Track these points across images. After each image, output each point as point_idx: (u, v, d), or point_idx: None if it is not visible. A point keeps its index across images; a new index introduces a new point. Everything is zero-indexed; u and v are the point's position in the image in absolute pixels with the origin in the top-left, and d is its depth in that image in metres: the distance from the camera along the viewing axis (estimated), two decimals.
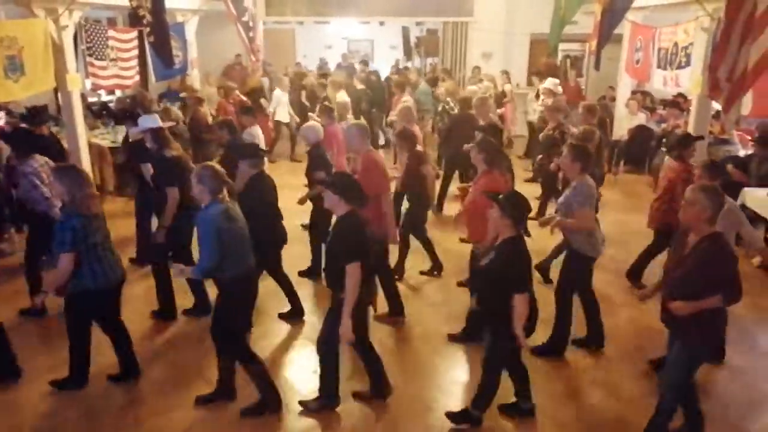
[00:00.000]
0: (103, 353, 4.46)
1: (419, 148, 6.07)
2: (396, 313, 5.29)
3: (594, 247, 4.56)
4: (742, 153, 7.98)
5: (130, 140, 6.24)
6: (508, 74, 12.24)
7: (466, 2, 13.64)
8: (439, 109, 10.29)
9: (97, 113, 10.59)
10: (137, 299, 5.61)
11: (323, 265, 3.94)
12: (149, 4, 7.24)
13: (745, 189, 6.63)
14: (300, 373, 4.60)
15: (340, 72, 13.22)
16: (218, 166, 3.86)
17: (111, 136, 9.25)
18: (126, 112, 6.88)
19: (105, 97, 12.11)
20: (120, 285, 4.20)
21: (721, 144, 8.31)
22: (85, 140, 8.07)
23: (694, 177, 5.02)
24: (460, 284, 5.90)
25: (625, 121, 10.27)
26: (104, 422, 4.03)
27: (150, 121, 5.27)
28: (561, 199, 4.67)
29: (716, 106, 7.43)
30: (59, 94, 8.06)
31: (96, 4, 8.25)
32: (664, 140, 9.44)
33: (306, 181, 6.19)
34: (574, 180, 4.54)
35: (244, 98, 10.34)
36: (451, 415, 3.98)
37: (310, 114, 9.32)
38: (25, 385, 4.39)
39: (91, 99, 11.33)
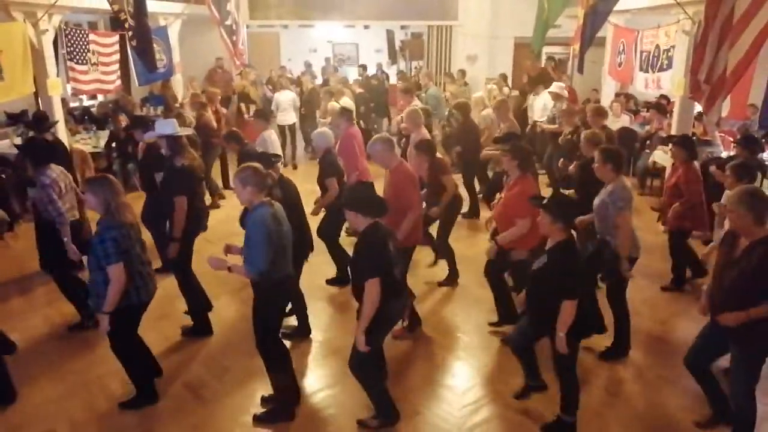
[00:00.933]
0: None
1: (439, 155, 5.94)
2: (412, 328, 5.16)
3: (636, 246, 4.56)
4: (724, 154, 8.06)
5: (146, 143, 6.06)
6: (506, 78, 12.26)
7: (450, 6, 13.70)
8: (445, 113, 10.36)
9: (79, 118, 10.48)
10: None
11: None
12: (131, 7, 7.17)
13: (728, 190, 6.68)
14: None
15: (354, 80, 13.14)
16: (258, 165, 3.83)
17: (93, 141, 9.16)
18: (137, 119, 6.78)
19: (86, 102, 11.99)
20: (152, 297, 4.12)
21: (704, 145, 8.38)
22: (66, 145, 7.95)
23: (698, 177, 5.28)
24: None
25: (609, 124, 10.31)
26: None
27: (168, 126, 5.10)
28: (596, 201, 4.56)
29: (698, 107, 7.50)
30: (39, 99, 7.96)
31: (76, 8, 8.15)
32: (647, 142, 9.52)
33: (318, 189, 6.08)
34: (610, 183, 4.48)
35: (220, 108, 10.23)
36: (546, 428, 3.91)
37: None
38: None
39: (73, 104, 11.22)
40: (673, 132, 8.11)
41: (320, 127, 8.23)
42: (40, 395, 4.33)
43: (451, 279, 6.12)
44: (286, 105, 10.77)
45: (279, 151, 7.09)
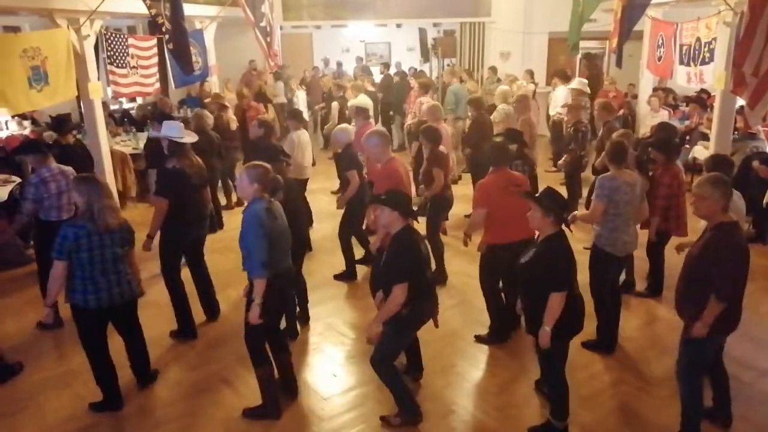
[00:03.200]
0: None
1: (442, 148, 5.96)
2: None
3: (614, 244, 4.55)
4: None
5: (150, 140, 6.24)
6: (532, 74, 12.14)
7: (483, 2, 13.59)
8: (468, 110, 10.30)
9: (119, 120, 10.75)
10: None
11: (375, 277, 3.94)
12: (168, 11, 7.31)
13: None
14: (318, 376, 4.61)
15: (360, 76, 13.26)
16: (265, 164, 3.88)
17: (132, 143, 9.37)
18: (156, 115, 6.86)
19: (126, 105, 12.28)
20: (126, 305, 4.08)
21: (748, 139, 8.13)
22: (107, 147, 8.18)
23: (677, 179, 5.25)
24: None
25: (647, 119, 10.12)
26: None
27: (173, 129, 5.13)
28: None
29: (740, 101, 7.28)
30: (81, 103, 8.18)
31: (116, 13, 8.35)
32: (687, 138, 9.29)
33: (338, 184, 6.24)
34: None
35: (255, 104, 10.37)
36: (535, 431, 3.89)
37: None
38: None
39: (113, 107, 11.51)
40: (714, 127, 7.90)
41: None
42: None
43: (438, 277, 5.82)
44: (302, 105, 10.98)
45: (309, 153, 7.16)
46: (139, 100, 12.11)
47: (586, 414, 4.06)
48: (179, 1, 7.27)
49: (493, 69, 12.59)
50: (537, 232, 3.74)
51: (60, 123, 6.99)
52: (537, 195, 3.63)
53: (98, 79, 7.95)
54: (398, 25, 15.57)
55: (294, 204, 4.91)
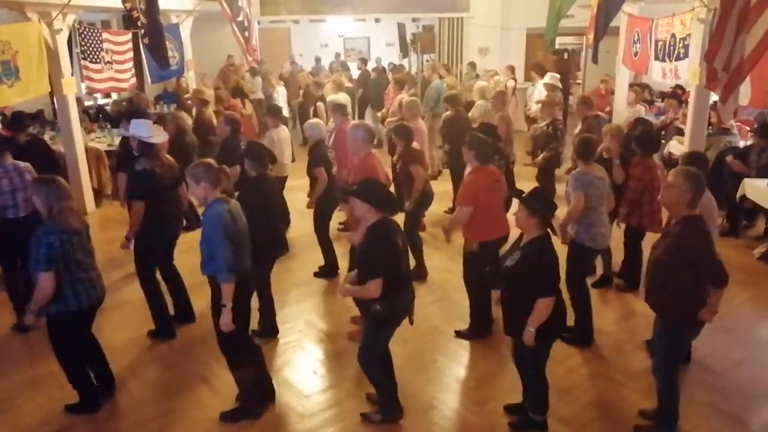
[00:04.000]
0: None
1: (415, 144, 5.97)
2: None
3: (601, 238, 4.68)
4: (741, 144, 7.95)
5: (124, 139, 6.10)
6: (513, 69, 12.18)
7: None
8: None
9: (94, 117, 10.57)
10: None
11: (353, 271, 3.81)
12: (143, 5, 7.20)
13: (746, 180, 6.61)
14: (299, 374, 4.59)
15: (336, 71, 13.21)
16: (210, 161, 3.81)
17: (108, 140, 9.21)
18: (128, 112, 6.69)
19: (101, 101, 12.08)
20: (101, 302, 4.03)
21: (722, 134, 8.27)
22: (81, 144, 8.05)
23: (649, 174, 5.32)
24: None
25: (623, 114, 10.23)
26: None
27: (141, 128, 4.94)
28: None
29: (714, 97, 7.40)
30: (55, 99, 8.04)
31: (90, 7, 8.21)
32: (663, 133, 9.41)
33: (308, 180, 6.16)
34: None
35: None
36: (514, 425, 3.90)
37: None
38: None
39: (87, 102, 11.30)
40: (688, 122, 8.03)
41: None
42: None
43: (418, 273, 5.87)
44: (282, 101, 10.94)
45: (288, 151, 7.05)
46: (114, 96, 11.92)
47: (564, 407, 4.09)
48: None
49: (472, 65, 12.63)
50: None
51: (15, 120, 6.75)
52: (524, 195, 3.56)
53: (72, 75, 7.82)
54: (377, 20, 15.52)
55: (273, 200, 4.87)
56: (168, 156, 5.14)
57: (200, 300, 5.49)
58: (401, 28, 16.21)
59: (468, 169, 4.88)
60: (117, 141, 9.05)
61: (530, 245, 3.50)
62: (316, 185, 5.90)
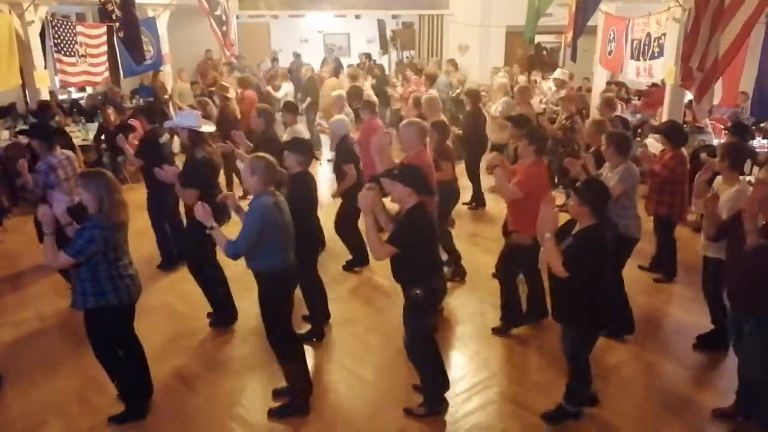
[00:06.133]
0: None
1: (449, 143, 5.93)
2: None
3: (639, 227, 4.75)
4: (715, 142, 8.08)
5: (144, 136, 6.07)
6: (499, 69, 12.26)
7: None
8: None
9: (68, 111, 10.39)
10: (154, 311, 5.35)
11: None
12: None
13: (719, 177, 6.70)
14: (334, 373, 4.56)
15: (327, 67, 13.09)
16: (270, 158, 3.77)
17: (82, 134, 9.06)
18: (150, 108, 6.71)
19: (75, 94, 11.87)
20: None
21: (696, 133, 8.39)
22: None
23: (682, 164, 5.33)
24: (494, 275, 5.75)
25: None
26: None
27: (191, 119, 5.00)
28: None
29: (689, 96, 7.51)
30: (27, 92, 7.89)
31: None
32: (639, 131, 9.53)
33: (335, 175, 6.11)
34: (616, 167, 4.70)
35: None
36: (547, 416, 3.89)
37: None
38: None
39: (61, 96, 11.10)
40: (664, 120, 8.13)
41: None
42: (31, 388, 4.31)
43: (456, 269, 5.94)
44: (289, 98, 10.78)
45: None
46: (89, 90, 11.72)
47: (619, 399, 4.12)
48: None
49: (452, 62, 12.65)
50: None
51: (42, 109, 6.76)
52: (576, 184, 3.61)
53: (45, 68, 7.67)
54: (357, 16, 15.49)
55: (315, 196, 4.82)
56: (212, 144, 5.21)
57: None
58: (381, 24, 16.21)
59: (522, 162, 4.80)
60: (92, 135, 8.95)
61: (583, 232, 3.53)
62: (345, 180, 5.88)
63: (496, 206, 8.03)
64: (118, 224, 3.61)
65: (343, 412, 4.06)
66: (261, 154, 3.81)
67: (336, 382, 4.41)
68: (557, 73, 9.86)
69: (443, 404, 4.00)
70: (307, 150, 4.61)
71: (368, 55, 14.71)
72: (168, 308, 5.43)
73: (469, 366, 4.60)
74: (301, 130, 6.77)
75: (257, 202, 3.65)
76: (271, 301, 3.84)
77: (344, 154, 5.89)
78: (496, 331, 5.01)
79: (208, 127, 5.16)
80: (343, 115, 6.79)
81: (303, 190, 4.48)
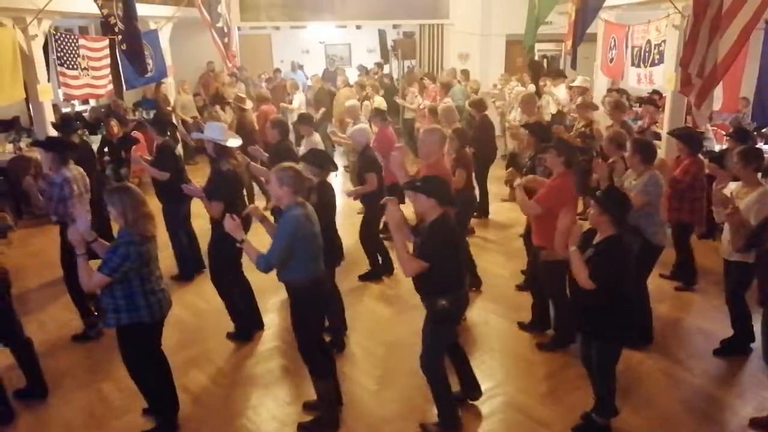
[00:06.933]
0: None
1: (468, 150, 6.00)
2: None
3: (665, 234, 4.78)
4: (717, 148, 8.07)
5: (158, 149, 6.14)
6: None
7: (441, 4, 13.69)
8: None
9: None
10: None
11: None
12: (120, 11, 7.14)
13: (732, 183, 6.69)
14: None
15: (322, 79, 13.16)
16: (297, 166, 3.76)
17: None
18: (160, 120, 6.74)
19: (79, 107, 11.93)
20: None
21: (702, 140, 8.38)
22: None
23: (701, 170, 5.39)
24: (518, 287, 5.80)
25: (601, 119, 10.34)
26: None
27: (216, 132, 5.03)
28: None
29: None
30: (30, 106, 7.92)
31: (65, 13, 8.10)
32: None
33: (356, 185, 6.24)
34: (640, 175, 4.64)
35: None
36: (578, 430, 3.86)
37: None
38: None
39: (65, 109, 11.15)
40: (665, 127, 8.13)
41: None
42: (39, 405, 4.30)
43: (471, 280, 5.82)
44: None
45: None
46: (93, 102, 11.78)
47: (644, 408, 4.07)
48: (132, 1, 7.11)
49: (465, 72, 12.68)
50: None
51: (65, 122, 6.79)
52: (597, 193, 3.58)
53: (48, 81, 7.71)
54: (358, 27, 15.55)
55: (334, 207, 4.87)
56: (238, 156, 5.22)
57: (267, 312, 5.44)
58: (382, 34, 16.28)
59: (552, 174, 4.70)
60: (95, 148, 8.97)
61: (604, 243, 3.50)
62: (365, 186, 5.92)
63: (501, 213, 8.06)
64: (148, 237, 3.60)
65: (346, 422, 4.04)
66: (287, 163, 3.77)
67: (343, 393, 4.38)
68: (579, 81, 9.86)
69: (458, 423, 3.91)
70: (325, 161, 4.65)
71: (380, 65, 14.78)
72: (175, 319, 5.41)
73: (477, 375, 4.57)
74: (318, 141, 6.80)
75: (289, 214, 3.62)
76: (304, 312, 3.79)
77: (368, 163, 5.92)
78: (542, 346, 4.88)
79: (235, 141, 5.17)
80: (363, 124, 6.83)
81: (321, 201, 4.47)
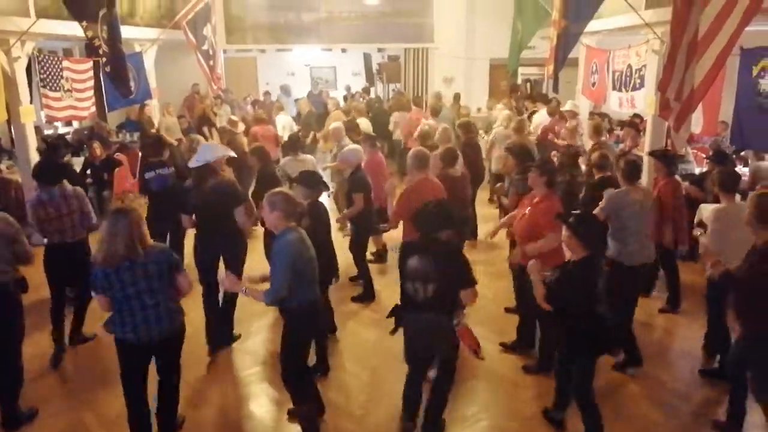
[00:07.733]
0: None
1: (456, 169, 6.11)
2: None
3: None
4: (697, 171, 8.19)
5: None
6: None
7: (426, 28, 13.87)
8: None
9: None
10: None
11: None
12: (105, 34, 7.13)
13: (702, 205, 6.76)
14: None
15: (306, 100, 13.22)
16: (287, 190, 3.82)
17: None
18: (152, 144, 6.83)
19: (62, 129, 11.86)
20: (167, 342, 3.68)
21: (677, 162, 8.50)
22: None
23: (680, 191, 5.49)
24: (507, 310, 5.77)
25: (584, 142, 10.47)
26: None
27: (209, 152, 5.05)
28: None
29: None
30: (12, 127, 7.86)
31: (49, 35, 8.08)
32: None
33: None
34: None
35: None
36: None
37: None
38: None
39: (47, 131, 11.07)
40: (645, 150, 8.24)
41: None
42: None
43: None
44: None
45: None
46: (75, 124, 11.71)
47: None
48: (116, 23, 7.11)
49: (438, 95, 12.81)
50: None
51: (53, 147, 6.85)
52: (571, 219, 3.64)
53: (31, 103, 7.66)
54: (343, 50, 15.70)
55: (328, 227, 4.92)
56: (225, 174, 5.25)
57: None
58: (367, 58, 16.44)
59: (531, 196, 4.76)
60: (78, 170, 8.89)
61: (571, 266, 3.59)
62: (352, 207, 5.98)
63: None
64: (104, 261, 3.52)
65: None
66: (276, 189, 3.80)
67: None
68: (569, 105, 10.00)
69: None
70: (315, 182, 4.69)
71: (366, 89, 14.90)
72: None
73: (458, 398, 4.51)
74: (310, 159, 6.91)
75: (283, 239, 3.60)
76: (296, 337, 3.77)
77: (358, 184, 5.97)
78: (527, 369, 4.89)
79: (223, 151, 5.25)
80: (356, 145, 6.91)
81: (314, 222, 4.47)
